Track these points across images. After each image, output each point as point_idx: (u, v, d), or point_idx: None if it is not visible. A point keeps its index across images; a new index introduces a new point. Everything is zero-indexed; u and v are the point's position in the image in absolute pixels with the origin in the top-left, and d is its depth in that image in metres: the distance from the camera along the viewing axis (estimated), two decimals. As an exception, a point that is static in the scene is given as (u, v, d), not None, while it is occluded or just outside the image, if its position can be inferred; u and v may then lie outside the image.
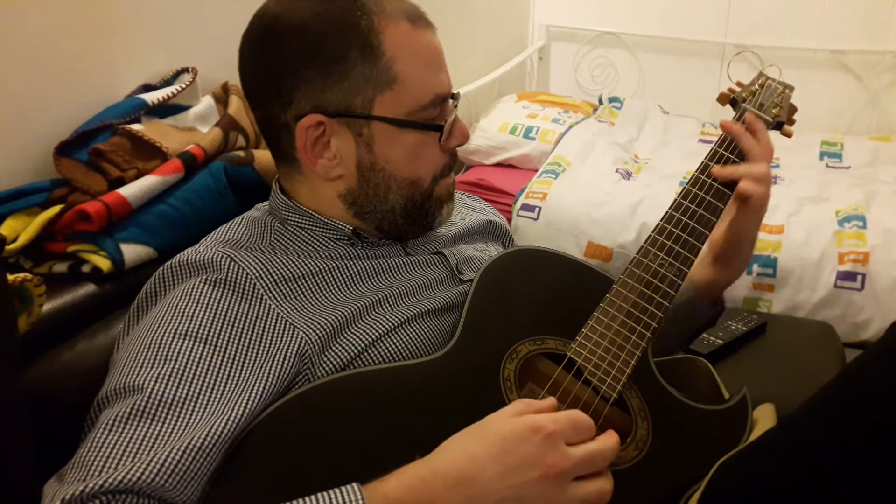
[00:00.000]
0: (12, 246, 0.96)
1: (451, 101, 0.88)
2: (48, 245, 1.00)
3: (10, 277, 0.79)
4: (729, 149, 0.96)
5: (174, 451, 0.64)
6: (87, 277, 0.98)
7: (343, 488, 0.62)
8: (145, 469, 0.62)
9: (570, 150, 2.34)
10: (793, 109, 1.04)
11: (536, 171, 2.28)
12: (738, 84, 1.07)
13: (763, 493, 0.69)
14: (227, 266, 0.79)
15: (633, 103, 2.84)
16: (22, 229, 0.98)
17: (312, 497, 0.62)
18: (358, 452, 0.71)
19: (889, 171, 2.25)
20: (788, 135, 1.03)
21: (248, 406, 0.71)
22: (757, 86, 1.06)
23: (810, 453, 0.68)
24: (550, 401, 0.68)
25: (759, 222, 0.98)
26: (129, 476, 0.61)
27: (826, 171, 2.32)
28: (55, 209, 0.99)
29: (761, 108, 1.01)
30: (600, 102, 2.87)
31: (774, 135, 1.03)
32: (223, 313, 0.76)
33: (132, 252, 1.00)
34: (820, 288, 1.81)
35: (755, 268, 1.86)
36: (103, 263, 0.97)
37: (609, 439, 0.66)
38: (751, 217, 0.95)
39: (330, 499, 0.61)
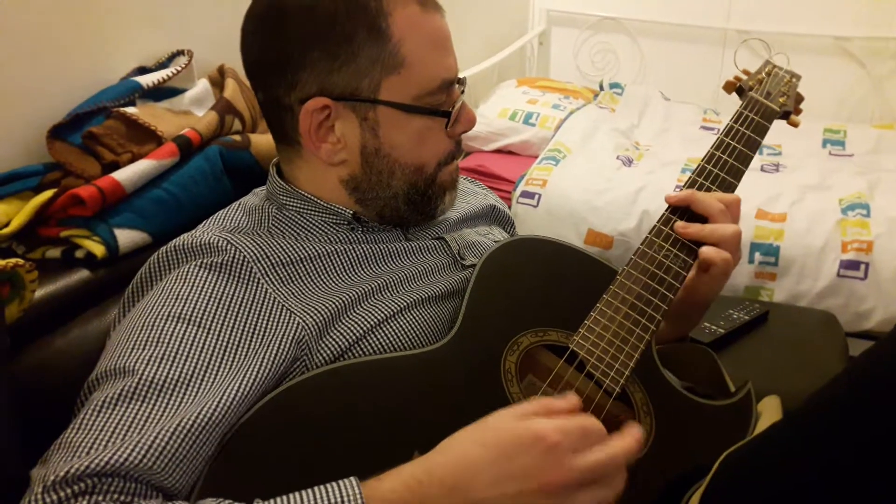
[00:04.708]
0: (4, 231, 0.95)
1: (457, 86, 0.86)
2: (41, 230, 0.98)
3: (1, 263, 0.78)
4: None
5: (162, 432, 0.63)
6: (81, 263, 0.96)
7: (341, 482, 0.61)
8: (132, 451, 0.61)
9: (571, 136, 2.32)
10: (799, 98, 1.03)
11: (536, 157, 2.26)
12: (745, 72, 1.05)
13: (768, 491, 0.68)
14: (224, 248, 0.78)
15: (634, 89, 2.81)
16: (14, 214, 0.97)
17: (309, 490, 0.61)
18: (356, 445, 0.70)
19: (892, 159, 2.23)
20: (795, 125, 1.01)
21: (241, 390, 0.69)
22: (764, 74, 1.04)
23: (817, 450, 0.67)
24: (572, 401, 0.65)
25: (720, 289, 0.89)
26: (115, 457, 0.60)
27: (829, 159, 2.30)
28: (48, 193, 0.97)
29: (768, 97, 1.00)
30: (601, 88, 2.84)
31: (780, 124, 1.02)
32: (219, 297, 0.75)
33: (126, 237, 0.99)
34: (822, 277, 1.80)
35: (757, 256, 1.85)
36: (97, 249, 0.96)
37: (621, 443, 0.62)
38: (710, 282, 0.88)
39: (327, 492, 0.60)
